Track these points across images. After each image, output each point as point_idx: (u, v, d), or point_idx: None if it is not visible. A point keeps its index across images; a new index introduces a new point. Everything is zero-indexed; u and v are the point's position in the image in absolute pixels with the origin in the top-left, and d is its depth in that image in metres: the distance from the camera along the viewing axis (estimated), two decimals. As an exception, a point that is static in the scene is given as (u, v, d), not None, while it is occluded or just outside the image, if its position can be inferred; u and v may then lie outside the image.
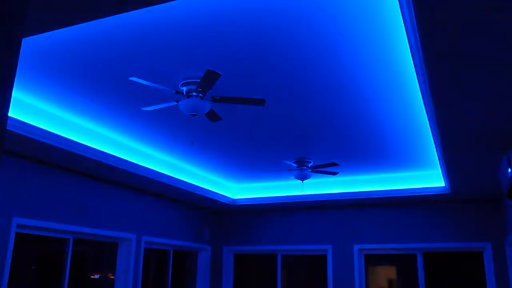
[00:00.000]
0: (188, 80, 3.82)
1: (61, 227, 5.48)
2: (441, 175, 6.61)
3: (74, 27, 3.03)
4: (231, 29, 3.07)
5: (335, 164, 5.99)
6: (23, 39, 3.12)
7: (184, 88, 3.86)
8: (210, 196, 7.42)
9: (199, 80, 3.79)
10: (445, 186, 6.61)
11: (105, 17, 2.26)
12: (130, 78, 3.52)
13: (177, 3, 2.77)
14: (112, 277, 6.56)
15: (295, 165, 6.28)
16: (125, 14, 2.90)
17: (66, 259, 5.67)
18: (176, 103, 4.04)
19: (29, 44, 3.31)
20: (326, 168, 6.60)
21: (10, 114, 4.23)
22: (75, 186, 5.79)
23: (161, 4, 2.72)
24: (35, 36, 3.16)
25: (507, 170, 4.33)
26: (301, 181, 7.46)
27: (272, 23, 2.99)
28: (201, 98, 3.86)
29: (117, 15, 2.78)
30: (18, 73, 3.76)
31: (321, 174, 6.99)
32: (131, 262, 6.58)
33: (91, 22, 2.85)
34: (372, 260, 7.80)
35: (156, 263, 7.57)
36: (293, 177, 7.30)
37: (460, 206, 7.23)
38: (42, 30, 2.34)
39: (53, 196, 5.45)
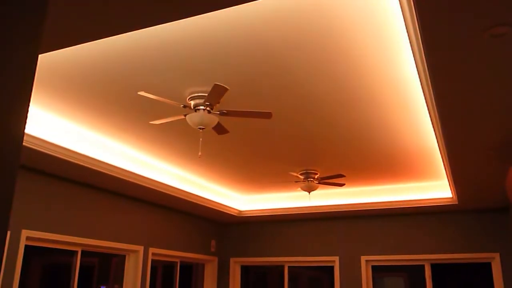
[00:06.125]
0: (196, 94, 3.88)
1: (69, 239, 5.52)
2: (448, 185, 6.61)
3: (84, 44, 3.10)
4: (237, 43, 3.12)
5: (341, 176, 6.01)
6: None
7: (192, 102, 3.92)
8: (217, 208, 7.45)
9: (206, 94, 3.84)
10: (452, 197, 6.61)
11: (117, 34, 2.32)
12: (139, 93, 3.58)
13: (185, 19, 2.83)
14: (120, 289, 6.58)
15: (301, 176, 6.30)
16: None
17: (74, 270, 5.70)
18: (184, 117, 4.10)
19: (43, 60, 3.38)
20: (333, 179, 6.62)
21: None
22: (84, 198, 5.84)
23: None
24: (48, 54, 3.23)
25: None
26: (308, 193, 7.47)
27: (278, 37, 3.04)
28: (209, 112, 3.91)
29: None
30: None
31: (327, 185, 7.00)
32: (138, 273, 6.60)
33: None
34: (379, 271, 7.77)
35: (163, 274, 7.59)
36: (299, 188, 7.32)
37: (468, 216, 7.21)
38: (58, 46, 2.40)
39: (61, 208, 5.50)
